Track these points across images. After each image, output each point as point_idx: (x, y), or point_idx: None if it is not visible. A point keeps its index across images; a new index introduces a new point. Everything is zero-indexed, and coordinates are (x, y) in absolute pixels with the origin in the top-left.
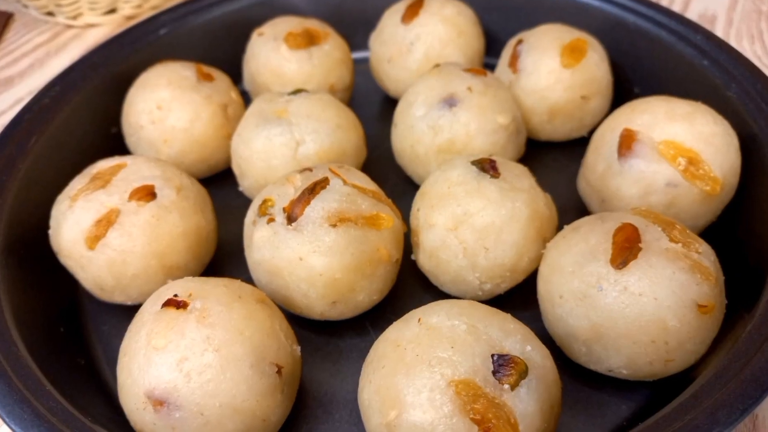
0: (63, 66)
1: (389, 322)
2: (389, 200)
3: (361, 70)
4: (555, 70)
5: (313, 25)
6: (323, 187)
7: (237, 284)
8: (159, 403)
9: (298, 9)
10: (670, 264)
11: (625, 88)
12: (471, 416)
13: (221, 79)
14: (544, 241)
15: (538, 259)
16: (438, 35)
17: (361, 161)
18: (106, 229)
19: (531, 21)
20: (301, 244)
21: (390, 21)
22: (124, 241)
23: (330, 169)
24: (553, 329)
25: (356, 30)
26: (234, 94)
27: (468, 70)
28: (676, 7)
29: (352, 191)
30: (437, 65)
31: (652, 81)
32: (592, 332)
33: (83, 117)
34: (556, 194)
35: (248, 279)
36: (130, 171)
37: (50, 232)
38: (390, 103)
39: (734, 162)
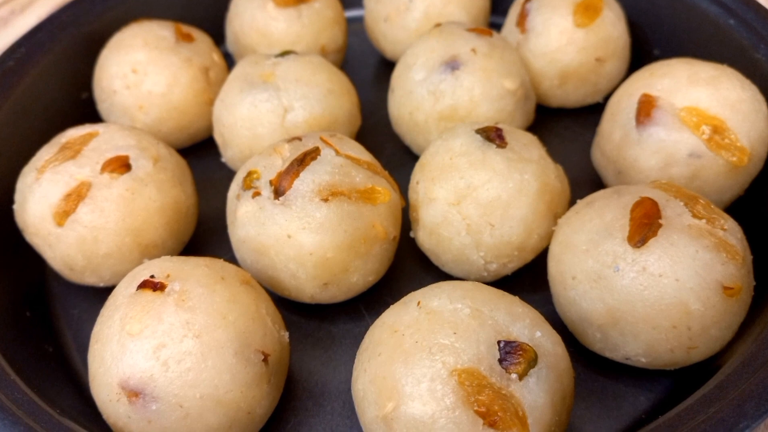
0: (29, 26)
1: (386, 306)
2: (386, 172)
3: (355, 30)
4: (567, 29)
5: None
6: (314, 158)
7: (219, 264)
8: (134, 394)
9: None
10: (693, 242)
11: (643, 50)
12: (475, 408)
13: (202, 40)
14: (555, 216)
15: (549, 236)
16: None
17: (354, 130)
18: (76, 203)
19: None
20: (290, 220)
21: None
22: (95, 217)
23: (321, 139)
24: (565, 313)
25: None
26: (216, 57)
27: (472, 30)
28: None
29: (346, 162)
30: (438, 25)
31: (673, 42)
32: (608, 316)
33: (51, 81)
34: (568, 165)
35: (232, 258)
36: (103, 140)
37: (15, 207)
38: (386, 66)
39: (763, 130)
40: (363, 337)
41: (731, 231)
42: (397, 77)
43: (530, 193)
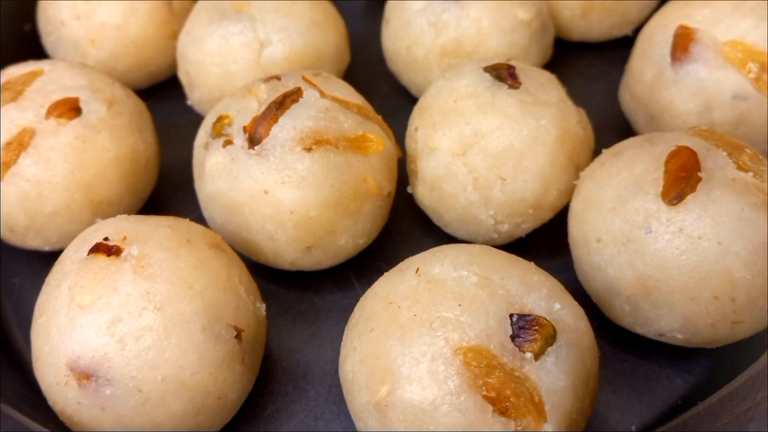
0: None
1: (379, 273)
2: (379, 117)
3: None
4: None
5: None
6: (295, 101)
7: (185, 225)
8: (85, 376)
9: None
10: (738, 198)
11: None
12: (483, 393)
13: None
14: (577, 169)
15: (570, 192)
16: None
17: (343, 67)
18: (17, 154)
19: None
20: (267, 173)
21: None
22: (40, 170)
23: (303, 78)
24: (588, 282)
25: None
26: None
27: None
28: None
29: (332, 106)
30: None
31: None
32: (639, 285)
33: None
34: (591, 109)
35: (199, 218)
36: (48, 80)
37: None
38: None
39: None
40: (352, 310)
41: None
42: (393, 6)
43: (548, 141)
